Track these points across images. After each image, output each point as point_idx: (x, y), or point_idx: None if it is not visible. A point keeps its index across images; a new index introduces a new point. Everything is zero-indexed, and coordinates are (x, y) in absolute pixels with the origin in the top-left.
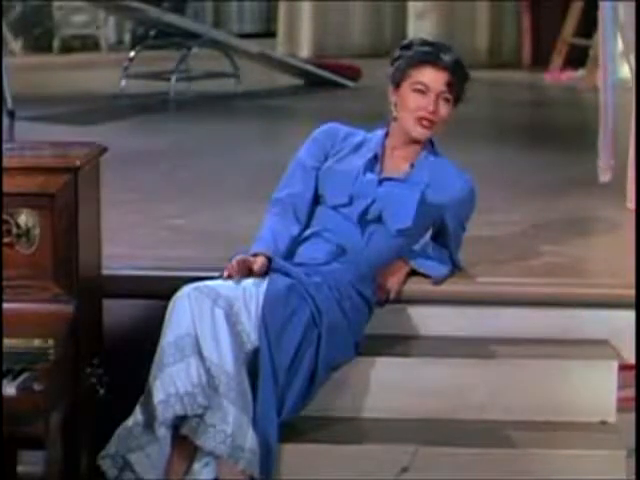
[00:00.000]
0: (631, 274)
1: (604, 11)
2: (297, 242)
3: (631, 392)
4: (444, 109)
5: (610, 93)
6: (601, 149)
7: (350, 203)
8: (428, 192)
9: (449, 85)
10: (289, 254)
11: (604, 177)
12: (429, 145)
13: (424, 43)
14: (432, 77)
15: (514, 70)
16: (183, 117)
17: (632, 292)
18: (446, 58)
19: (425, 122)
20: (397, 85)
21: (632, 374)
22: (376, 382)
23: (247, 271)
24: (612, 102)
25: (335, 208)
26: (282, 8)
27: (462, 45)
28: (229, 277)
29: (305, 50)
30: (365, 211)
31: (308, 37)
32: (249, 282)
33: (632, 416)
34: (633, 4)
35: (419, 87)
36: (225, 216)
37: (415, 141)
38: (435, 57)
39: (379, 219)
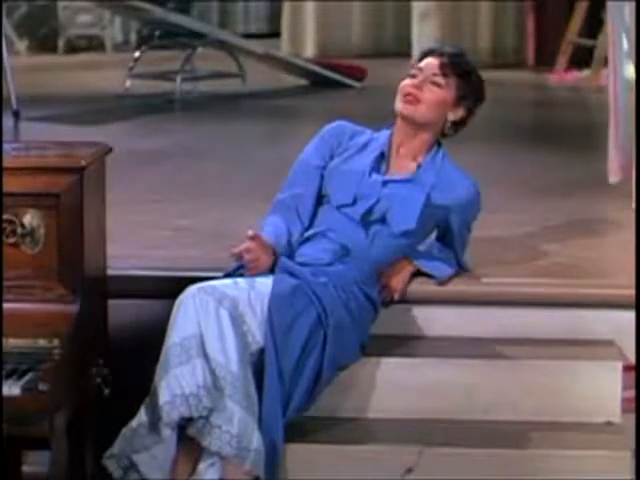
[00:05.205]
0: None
1: (612, 10)
2: (299, 242)
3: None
4: (431, 92)
5: (620, 93)
6: (611, 149)
7: (354, 203)
8: (433, 194)
9: (441, 68)
10: (288, 253)
11: (614, 178)
12: (436, 146)
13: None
14: (427, 62)
15: (517, 70)
16: (188, 117)
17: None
18: (447, 49)
19: (408, 97)
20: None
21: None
22: (381, 382)
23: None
24: (623, 102)
25: (339, 208)
26: (286, 8)
27: (465, 45)
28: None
29: (309, 50)
30: (369, 211)
31: (312, 37)
32: (254, 282)
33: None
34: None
35: (413, 71)
36: (230, 216)
37: (418, 134)
38: (439, 49)
39: (383, 220)
